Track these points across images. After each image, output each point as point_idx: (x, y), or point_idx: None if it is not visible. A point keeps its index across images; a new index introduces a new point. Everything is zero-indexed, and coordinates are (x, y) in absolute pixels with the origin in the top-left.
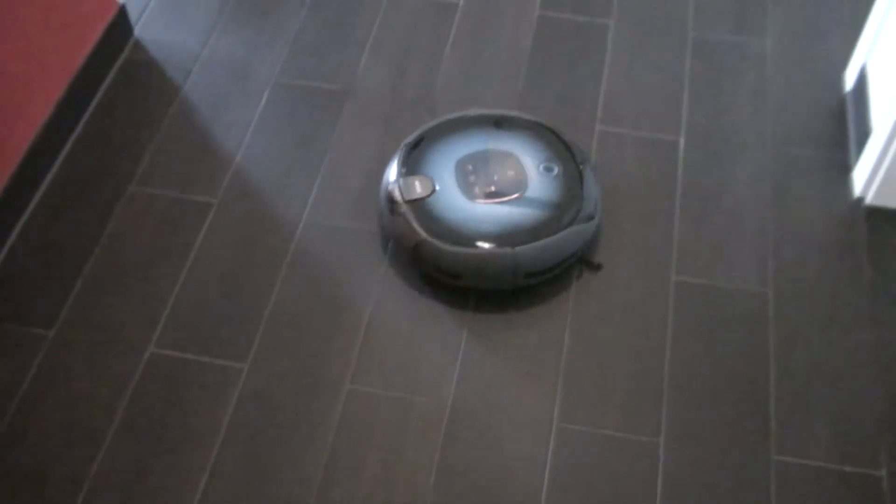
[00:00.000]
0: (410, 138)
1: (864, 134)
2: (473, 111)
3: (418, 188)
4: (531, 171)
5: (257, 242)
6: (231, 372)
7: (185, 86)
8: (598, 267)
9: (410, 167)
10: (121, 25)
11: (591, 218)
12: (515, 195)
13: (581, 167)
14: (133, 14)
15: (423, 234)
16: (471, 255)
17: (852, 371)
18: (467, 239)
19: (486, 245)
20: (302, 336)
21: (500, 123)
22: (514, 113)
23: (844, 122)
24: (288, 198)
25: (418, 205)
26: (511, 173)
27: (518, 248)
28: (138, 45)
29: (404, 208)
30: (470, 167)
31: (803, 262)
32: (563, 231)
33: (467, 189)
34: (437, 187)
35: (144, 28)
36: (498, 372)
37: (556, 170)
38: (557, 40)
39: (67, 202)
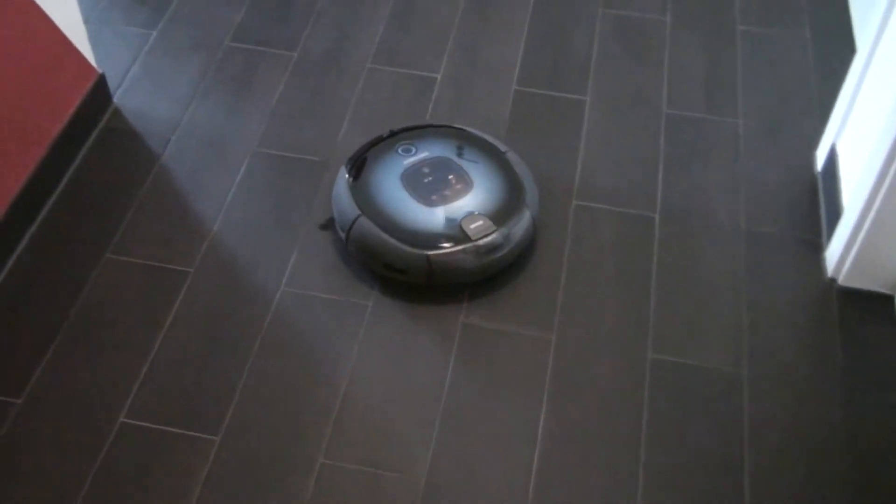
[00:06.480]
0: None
1: (835, 214)
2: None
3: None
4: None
5: (233, 312)
6: (202, 444)
7: (163, 154)
8: (326, 225)
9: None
10: (100, 93)
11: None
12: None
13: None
14: (112, 82)
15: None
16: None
17: (825, 453)
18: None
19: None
20: (276, 408)
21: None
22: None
23: (816, 201)
24: (265, 267)
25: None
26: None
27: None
28: (117, 113)
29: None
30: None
31: (777, 342)
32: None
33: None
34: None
35: (124, 96)
36: (473, 447)
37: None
38: (534, 115)
39: (41, 269)
